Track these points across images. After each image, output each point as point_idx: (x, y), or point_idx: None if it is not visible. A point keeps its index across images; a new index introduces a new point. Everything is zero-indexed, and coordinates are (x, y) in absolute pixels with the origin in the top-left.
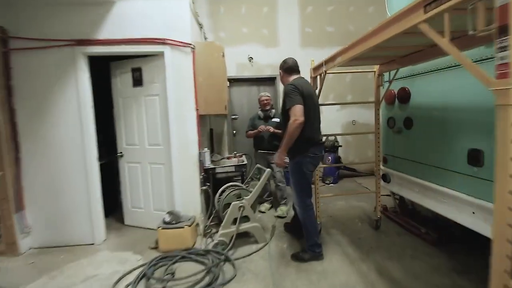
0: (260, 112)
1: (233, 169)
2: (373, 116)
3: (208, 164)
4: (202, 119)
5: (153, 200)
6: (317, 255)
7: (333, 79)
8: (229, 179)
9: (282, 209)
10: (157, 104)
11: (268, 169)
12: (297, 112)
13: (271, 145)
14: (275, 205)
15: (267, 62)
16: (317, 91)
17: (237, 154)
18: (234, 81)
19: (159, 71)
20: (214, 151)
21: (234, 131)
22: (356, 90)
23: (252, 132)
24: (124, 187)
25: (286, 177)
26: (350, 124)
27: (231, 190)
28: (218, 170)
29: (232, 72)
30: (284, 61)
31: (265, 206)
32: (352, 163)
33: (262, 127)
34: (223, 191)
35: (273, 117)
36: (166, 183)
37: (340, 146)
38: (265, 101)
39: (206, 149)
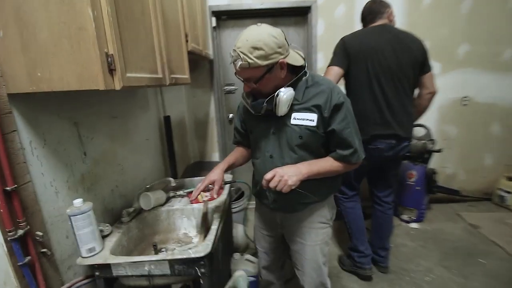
0: (244, 102)
1: (166, 269)
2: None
3: (88, 251)
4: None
5: None
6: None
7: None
8: None
9: None
10: None
11: None
12: (328, 75)
13: (290, 200)
14: None
15: None
16: None
17: (211, 187)
18: (227, 17)
19: None
20: (175, 171)
21: (231, 115)
22: (476, 32)
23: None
24: None
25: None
26: (457, 103)
27: None
28: (121, 272)
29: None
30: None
31: None
32: (452, 178)
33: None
34: None
35: (295, 109)
36: None
37: (439, 151)
38: (244, 79)
39: (80, 201)
